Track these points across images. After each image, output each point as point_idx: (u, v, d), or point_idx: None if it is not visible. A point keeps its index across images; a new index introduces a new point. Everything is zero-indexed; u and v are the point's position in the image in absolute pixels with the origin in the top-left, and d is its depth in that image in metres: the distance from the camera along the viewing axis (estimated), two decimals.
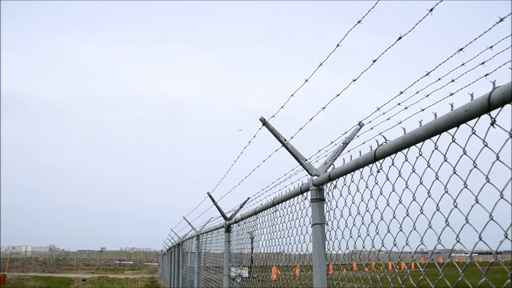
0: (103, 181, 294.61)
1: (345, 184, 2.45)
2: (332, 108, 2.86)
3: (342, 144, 2.86)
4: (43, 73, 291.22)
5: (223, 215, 5.44)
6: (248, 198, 5.33)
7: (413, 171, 1.88)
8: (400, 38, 2.21)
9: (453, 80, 2.11)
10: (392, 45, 2.24)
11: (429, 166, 1.78)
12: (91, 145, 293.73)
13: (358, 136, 2.80)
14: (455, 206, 1.63)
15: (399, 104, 2.46)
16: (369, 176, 2.21)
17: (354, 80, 2.51)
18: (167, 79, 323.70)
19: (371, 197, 2.20)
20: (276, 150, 3.26)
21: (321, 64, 2.64)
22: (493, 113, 1.42)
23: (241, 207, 5.33)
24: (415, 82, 2.27)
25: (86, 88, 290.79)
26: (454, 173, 1.65)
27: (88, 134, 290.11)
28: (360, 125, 2.83)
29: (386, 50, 2.27)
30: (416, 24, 2.11)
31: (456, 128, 1.59)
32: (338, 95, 2.66)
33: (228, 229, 5.31)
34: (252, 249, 5.08)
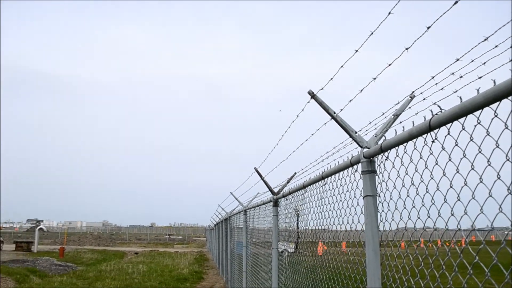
0: (152, 160, 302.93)
1: (397, 156, 2.41)
2: (381, 82, 2.80)
3: (392, 116, 2.80)
4: (88, 55, 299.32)
5: (270, 189, 5.49)
6: (295, 173, 5.34)
7: (471, 140, 1.83)
8: (456, 2, 2.10)
9: None
10: (447, 10, 2.14)
11: (488, 134, 1.73)
12: (140, 125, 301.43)
13: (409, 107, 2.74)
14: None
15: (453, 73, 2.37)
16: (423, 146, 2.17)
17: (407, 49, 2.44)
18: (209, 59, 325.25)
19: (426, 167, 2.16)
20: (325, 123, 3.24)
21: (372, 33, 2.57)
22: None
23: (288, 182, 5.36)
24: (472, 49, 2.17)
25: (130, 69, 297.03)
26: None
27: (136, 114, 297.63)
28: (412, 96, 2.76)
29: (441, 16, 2.18)
30: None
31: None
32: (389, 64, 2.59)
33: (276, 203, 5.37)
34: (298, 224, 5.13)
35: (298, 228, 5.10)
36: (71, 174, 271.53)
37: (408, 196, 2.32)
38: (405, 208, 2.34)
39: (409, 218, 2.31)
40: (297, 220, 5.13)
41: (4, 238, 40.64)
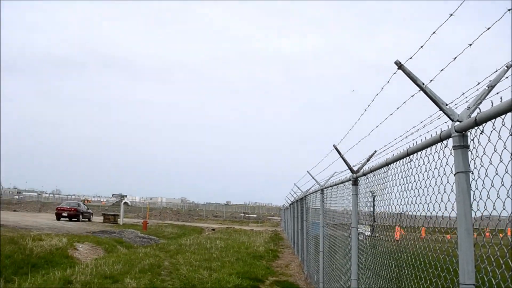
0: (228, 140, 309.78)
1: (494, 129, 2.24)
2: (474, 51, 2.60)
3: (486, 88, 2.60)
4: (170, 35, 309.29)
5: (350, 168, 5.39)
6: (375, 151, 5.19)
7: None
8: None
9: None
10: None
11: None
12: (218, 104, 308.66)
13: (506, 77, 2.53)
14: None
15: None
16: None
17: (488, 29, 2.24)
18: (284, 35, 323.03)
19: None
20: (412, 96, 3.09)
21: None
22: None
23: (368, 160, 5.22)
24: None
25: (210, 49, 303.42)
26: None
27: (214, 94, 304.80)
28: (508, 66, 2.54)
29: None
30: None
31: None
32: (488, 28, 2.40)
33: (355, 182, 5.27)
34: (374, 207, 5.02)
35: (374, 210, 5.00)
36: (152, 152, 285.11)
37: (506, 172, 2.15)
38: (503, 185, 2.18)
39: (508, 196, 2.14)
40: (373, 202, 5.03)
41: (92, 210, 43.80)
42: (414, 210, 3.40)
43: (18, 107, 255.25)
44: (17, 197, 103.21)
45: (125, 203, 45.52)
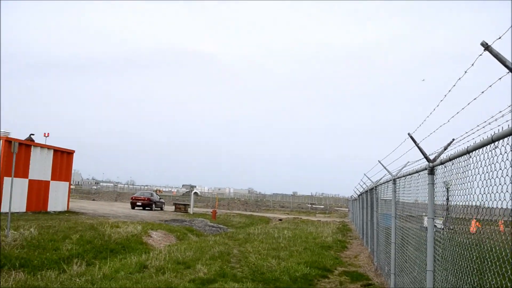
0: (295, 131, 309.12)
1: None
2: None
3: None
4: (217, 32, 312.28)
5: (425, 156, 5.16)
6: (453, 139, 4.93)
7: None
8: None
9: None
10: None
11: None
12: (282, 97, 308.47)
13: None
14: None
15: None
16: None
17: None
18: (345, 28, 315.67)
19: None
20: (500, 79, 2.88)
21: None
22: None
23: (445, 148, 4.97)
24: None
25: (261, 43, 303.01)
26: None
27: (279, 87, 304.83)
28: None
29: None
30: None
31: None
32: None
33: (431, 171, 5.04)
34: (448, 199, 4.79)
35: (448, 202, 4.78)
36: (219, 143, 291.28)
37: None
38: None
39: None
40: (447, 194, 4.80)
41: (164, 200, 45.50)
42: (495, 200, 3.19)
43: (92, 103, 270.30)
44: (95, 187, 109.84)
45: (195, 193, 46.86)
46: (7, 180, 22.18)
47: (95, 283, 8.21)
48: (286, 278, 9.67)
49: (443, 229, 5.02)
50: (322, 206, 73.52)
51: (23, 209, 23.77)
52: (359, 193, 21.50)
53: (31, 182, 24.59)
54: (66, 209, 27.81)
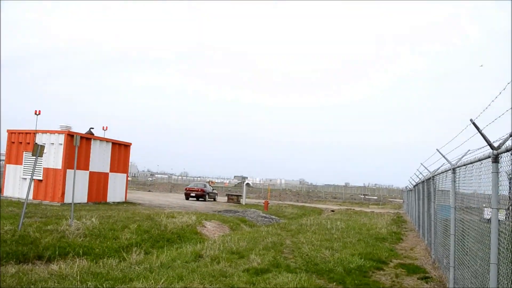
0: (346, 119, 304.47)
1: None
2: None
3: None
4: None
5: (489, 144, 4.91)
6: None
7: None
8: None
9: None
10: None
11: None
12: (336, 83, 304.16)
13: None
14: None
15: None
16: None
17: None
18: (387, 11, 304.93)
19: None
20: None
21: None
22: None
23: (511, 135, 4.71)
24: None
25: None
26: None
27: (335, 74, 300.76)
28: None
29: None
30: None
31: None
32: None
33: (495, 159, 4.79)
34: (511, 189, 4.55)
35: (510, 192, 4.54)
36: (271, 135, 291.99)
37: None
38: None
39: None
40: (510, 184, 4.56)
41: (217, 191, 46.25)
42: None
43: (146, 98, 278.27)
44: (150, 179, 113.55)
45: (247, 184, 47.30)
46: (69, 172, 23.32)
47: (153, 271, 8.48)
48: (340, 269, 9.57)
49: (504, 220, 4.79)
50: (376, 197, 72.14)
51: (85, 200, 24.91)
52: (414, 184, 20.88)
53: (92, 174, 25.71)
54: (124, 200, 28.90)
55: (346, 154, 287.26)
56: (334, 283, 8.32)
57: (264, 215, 26.41)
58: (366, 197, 71.81)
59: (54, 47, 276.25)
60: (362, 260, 10.70)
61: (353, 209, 39.61)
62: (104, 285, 7.10)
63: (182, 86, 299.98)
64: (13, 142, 25.89)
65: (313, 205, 47.90)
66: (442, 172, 10.23)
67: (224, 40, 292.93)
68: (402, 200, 57.58)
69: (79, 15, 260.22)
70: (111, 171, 27.61)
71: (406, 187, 36.56)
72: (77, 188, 21.90)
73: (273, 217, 26.51)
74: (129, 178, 30.00)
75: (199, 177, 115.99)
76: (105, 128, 28.77)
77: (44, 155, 15.17)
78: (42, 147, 13.73)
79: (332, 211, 36.87)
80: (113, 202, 27.10)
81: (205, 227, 17.20)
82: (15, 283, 7.30)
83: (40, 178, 23.95)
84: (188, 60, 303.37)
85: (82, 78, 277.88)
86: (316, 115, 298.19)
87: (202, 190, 40.04)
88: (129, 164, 31.16)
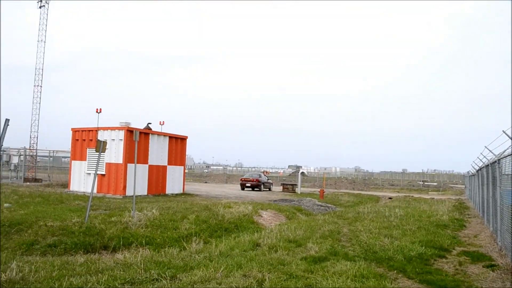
0: (402, 105, 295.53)
1: None
2: None
3: None
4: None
5: None
6: None
7: None
8: None
9: None
10: None
11: None
12: (394, 70, 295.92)
13: None
14: None
15: None
16: None
17: None
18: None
19: None
20: None
21: None
22: None
23: None
24: None
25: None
26: None
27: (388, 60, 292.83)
28: None
29: None
30: None
31: None
32: None
33: None
34: None
35: None
36: (324, 123, 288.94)
37: None
38: None
39: None
40: None
41: (272, 181, 46.48)
42: None
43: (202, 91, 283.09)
44: (206, 170, 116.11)
45: (302, 173, 47.17)
46: (130, 166, 24.25)
47: (213, 260, 8.68)
48: (400, 257, 9.37)
49: None
50: (435, 183, 69.72)
51: (145, 193, 25.86)
52: (477, 168, 19.99)
53: (151, 168, 26.62)
54: (182, 191, 29.73)
55: (402, 140, 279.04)
56: (395, 271, 8.16)
57: (319, 203, 26.27)
58: (425, 183, 69.55)
59: (115, 47, 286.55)
60: (423, 247, 10.42)
61: (412, 196, 38.51)
62: (167, 273, 7.35)
63: (235, 76, 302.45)
64: (77, 140, 27.28)
65: (369, 192, 47.07)
66: (508, 155, 9.73)
67: (270, 34, 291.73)
68: (463, 186, 55.35)
69: (140, 17, 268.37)
70: (169, 164, 28.44)
71: (468, 172, 35.10)
72: (138, 181, 22.78)
73: (329, 205, 26.31)
74: (186, 171, 30.78)
75: (254, 167, 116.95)
76: (162, 123, 29.64)
77: (106, 150, 15.86)
78: (105, 143, 14.36)
79: (390, 198, 36.06)
80: (172, 194, 27.95)
81: (262, 216, 17.37)
82: (84, 272, 7.73)
83: (103, 172, 25.11)
84: (236, 57, 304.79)
85: (141, 75, 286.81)
86: (370, 102, 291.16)
87: (257, 180, 40.39)
88: (186, 156, 31.98)
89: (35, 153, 43.41)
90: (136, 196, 16.50)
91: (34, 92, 43.43)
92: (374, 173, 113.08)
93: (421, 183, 69.73)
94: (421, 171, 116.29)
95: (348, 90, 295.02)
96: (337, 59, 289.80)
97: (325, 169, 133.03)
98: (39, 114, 43.08)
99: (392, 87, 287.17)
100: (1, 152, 30.60)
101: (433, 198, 35.99)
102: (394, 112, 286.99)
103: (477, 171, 20.51)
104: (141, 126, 27.46)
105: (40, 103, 43.14)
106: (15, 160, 39.24)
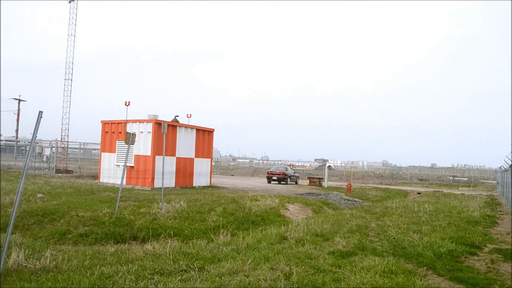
0: (432, 99, 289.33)
1: None
2: None
3: None
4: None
5: None
6: None
7: None
8: None
9: None
10: None
11: None
12: (421, 65, 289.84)
13: None
14: None
15: None
16: None
17: None
18: None
19: None
20: None
21: None
22: None
23: None
24: None
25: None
26: None
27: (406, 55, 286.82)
28: None
29: None
30: None
31: None
32: None
33: None
34: None
35: None
36: (353, 118, 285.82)
37: None
38: None
39: None
40: None
41: (298, 174, 46.33)
42: None
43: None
44: (233, 163, 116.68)
45: (329, 167, 46.84)
46: (158, 159, 24.58)
47: (240, 252, 8.73)
48: (430, 253, 9.22)
49: None
50: (466, 179, 68.18)
51: (172, 185, 26.18)
52: (511, 163, 19.45)
53: (178, 160, 26.90)
54: (209, 184, 29.97)
55: (432, 135, 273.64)
56: (424, 268, 8.04)
57: (347, 197, 26.05)
58: (455, 178, 68.08)
59: (141, 44, 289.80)
60: (454, 244, 10.22)
61: (441, 191, 37.77)
62: (195, 265, 7.44)
63: (259, 72, 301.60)
64: (107, 132, 27.78)
65: (397, 187, 46.39)
66: None
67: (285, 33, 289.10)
68: (495, 182, 53.93)
69: (168, 18, 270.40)
70: (196, 156, 28.68)
71: (500, 167, 34.14)
72: (165, 173, 23.04)
73: (356, 199, 26.07)
74: (212, 163, 30.99)
75: (280, 160, 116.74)
76: (189, 116, 29.89)
77: (134, 143, 16.10)
78: (134, 135, 14.58)
79: (418, 193, 35.48)
80: (199, 186, 28.20)
81: (288, 209, 17.36)
82: (114, 261, 7.89)
83: (132, 164, 25.51)
84: (262, 52, 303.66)
85: (169, 70, 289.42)
86: (397, 96, 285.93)
87: (284, 174, 40.34)
88: (213, 149, 32.20)
89: (66, 145, 44.46)
90: (164, 188, 16.70)
91: (64, 85, 44.37)
92: (402, 167, 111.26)
93: (451, 178, 68.33)
94: (450, 166, 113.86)
95: (378, 83, 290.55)
96: (368, 53, 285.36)
97: (352, 163, 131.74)
98: (69, 107, 44.05)
99: (423, 80, 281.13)
100: (34, 144, 31.52)
101: (464, 193, 35.22)
102: (423, 106, 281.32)
103: (511, 166, 19.95)
104: (168, 119, 27.76)
105: (70, 96, 44.09)
106: (47, 152, 40.32)
